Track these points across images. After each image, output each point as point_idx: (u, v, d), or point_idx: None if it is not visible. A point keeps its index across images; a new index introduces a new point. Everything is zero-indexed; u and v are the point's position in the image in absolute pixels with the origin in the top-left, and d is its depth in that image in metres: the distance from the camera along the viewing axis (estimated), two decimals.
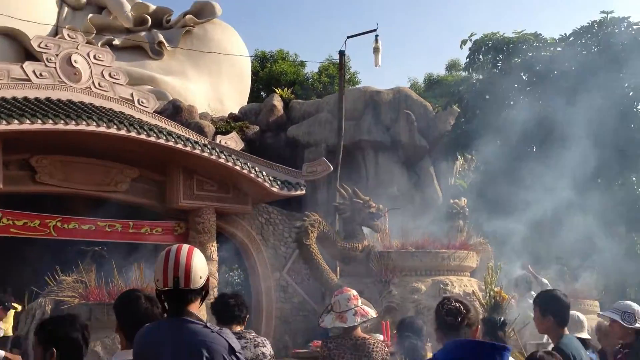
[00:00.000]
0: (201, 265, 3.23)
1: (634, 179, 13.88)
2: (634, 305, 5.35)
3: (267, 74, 22.82)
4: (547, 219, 11.76)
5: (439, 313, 3.65)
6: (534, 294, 8.98)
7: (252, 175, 11.01)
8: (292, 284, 12.77)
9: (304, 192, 12.16)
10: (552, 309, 4.88)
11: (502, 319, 6.41)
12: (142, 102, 11.58)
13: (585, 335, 5.98)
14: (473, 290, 8.61)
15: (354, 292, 5.44)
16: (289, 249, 12.58)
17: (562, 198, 12.12)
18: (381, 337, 6.61)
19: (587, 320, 8.94)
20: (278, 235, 12.77)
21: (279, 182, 11.67)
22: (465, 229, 10.42)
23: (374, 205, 9.01)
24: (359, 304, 5.40)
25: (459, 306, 3.62)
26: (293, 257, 12.59)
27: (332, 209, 9.70)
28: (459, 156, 17.08)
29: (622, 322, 5.18)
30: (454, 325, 3.59)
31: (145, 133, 9.97)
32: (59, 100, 10.61)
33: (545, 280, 9.40)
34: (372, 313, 5.37)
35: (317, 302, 11.25)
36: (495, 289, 8.23)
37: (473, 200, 12.52)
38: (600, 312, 6.20)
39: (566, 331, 4.97)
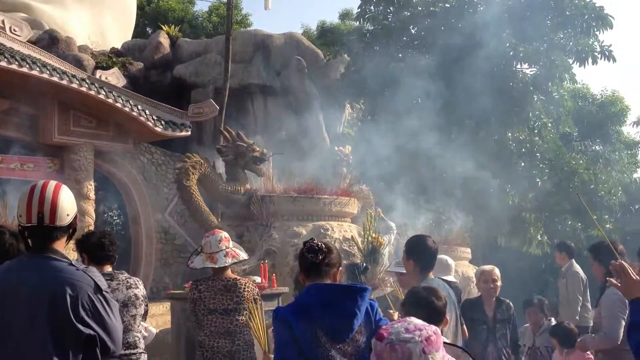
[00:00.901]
0: (68, 202, 3.10)
1: (509, 134, 14.52)
2: None
3: (154, 9, 21.98)
4: (427, 168, 12.13)
5: (301, 252, 3.68)
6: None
7: (134, 113, 10.61)
8: (174, 226, 12.57)
9: (189, 133, 11.88)
10: (416, 253, 5.04)
11: (364, 264, 6.65)
12: (14, 30, 10.80)
13: (450, 278, 6.30)
14: (352, 236, 8.79)
15: (225, 234, 5.43)
16: (171, 191, 12.33)
17: (444, 150, 12.54)
18: (259, 279, 6.63)
19: (455, 265, 9.38)
20: (161, 176, 12.47)
21: (163, 122, 11.32)
22: (348, 176, 10.56)
23: (257, 149, 8.93)
24: (230, 245, 5.38)
25: (321, 245, 3.66)
26: (175, 199, 12.37)
27: (217, 152, 9.52)
28: (347, 105, 17.26)
29: None
30: (315, 264, 3.62)
31: (16, 63, 9.35)
32: None
33: (391, 223, 9.72)
34: (242, 255, 5.36)
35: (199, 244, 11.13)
36: (373, 235, 8.43)
37: (358, 149, 12.70)
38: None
39: (431, 275, 5.14)
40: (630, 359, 5.64)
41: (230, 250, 5.36)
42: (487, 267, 6.72)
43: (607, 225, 14.74)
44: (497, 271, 6.61)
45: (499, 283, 6.53)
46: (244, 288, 5.40)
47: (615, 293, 5.80)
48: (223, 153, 8.98)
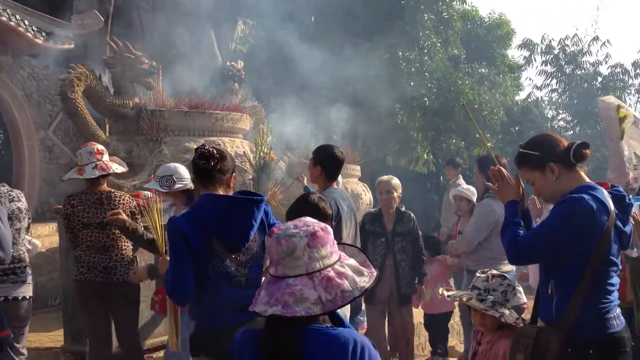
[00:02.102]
0: None
1: (399, 53, 14.70)
2: None
3: None
4: (319, 85, 12.18)
5: (193, 159, 3.66)
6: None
7: (11, 23, 9.95)
8: (59, 144, 12.11)
9: (72, 45, 11.31)
10: (323, 161, 5.16)
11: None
12: None
13: None
14: (244, 152, 8.78)
15: (99, 147, 5.31)
16: (55, 107, 11.80)
17: (333, 68, 12.59)
18: (149, 194, 6.52)
19: (345, 182, 9.59)
20: (43, 92, 11.88)
21: (44, 34, 10.71)
22: (240, 92, 10.45)
23: (146, 61, 8.62)
24: (104, 159, 5.26)
25: (213, 151, 3.64)
26: (60, 116, 11.87)
27: (103, 64, 9.13)
28: (240, 22, 16.89)
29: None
30: (207, 170, 3.61)
31: None
32: None
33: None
34: (115, 168, 5.27)
35: None
36: (265, 150, 8.47)
37: (250, 65, 12.55)
38: None
39: (334, 185, 5.28)
40: (488, 257, 6.16)
41: (101, 163, 5.21)
42: (384, 177, 6.66)
43: (489, 144, 15.41)
44: (395, 182, 6.51)
45: (396, 194, 6.44)
46: (119, 200, 5.31)
47: (487, 205, 6.20)
48: (110, 65, 8.62)
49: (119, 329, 5.41)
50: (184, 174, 5.07)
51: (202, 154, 3.65)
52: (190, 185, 5.02)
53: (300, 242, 2.16)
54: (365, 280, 2.21)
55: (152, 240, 5.02)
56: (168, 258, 3.84)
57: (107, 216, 5.11)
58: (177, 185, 4.96)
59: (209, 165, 3.62)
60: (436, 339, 7.81)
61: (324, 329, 2.19)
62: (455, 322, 8.93)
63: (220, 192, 3.67)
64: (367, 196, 10.68)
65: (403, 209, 6.68)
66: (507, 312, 3.75)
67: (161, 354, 6.20)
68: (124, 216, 5.05)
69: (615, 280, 3.39)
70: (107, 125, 9.32)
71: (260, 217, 3.67)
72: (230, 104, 9.43)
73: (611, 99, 6.24)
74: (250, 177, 8.42)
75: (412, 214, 6.64)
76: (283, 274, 2.19)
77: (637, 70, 21.51)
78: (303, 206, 3.83)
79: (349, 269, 2.21)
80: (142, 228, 5.11)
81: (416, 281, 6.65)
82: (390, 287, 6.49)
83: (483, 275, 3.93)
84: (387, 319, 6.81)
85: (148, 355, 6.20)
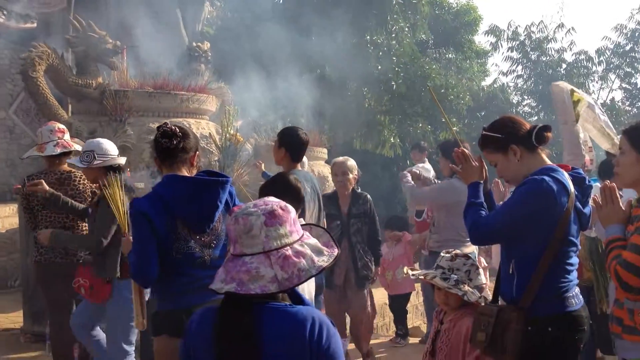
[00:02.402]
0: None
1: (367, 37, 14.69)
2: None
3: None
4: (285, 68, 12.13)
5: (155, 137, 3.60)
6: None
7: None
8: (20, 124, 11.92)
9: (34, 24, 11.11)
10: (287, 143, 5.18)
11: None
12: None
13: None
14: (210, 133, 8.71)
15: (60, 126, 5.25)
16: (16, 87, 11.60)
17: (301, 51, 12.55)
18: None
19: (312, 164, 9.60)
20: (3, 71, 11.66)
21: (4, 12, 10.50)
22: (206, 73, 10.35)
23: (110, 41, 8.47)
24: (65, 137, 5.19)
25: (175, 129, 3.60)
26: (21, 96, 11.66)
27: (66, 43, 8.96)
28: (207, 2, 16.72)
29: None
30: (170, 149, 3.56)
31: None
32: None
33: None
34: (77, 147, 5.20)
35: None
36: (231, 132, 8.42)
37: (217, 46, 12.45)
38: None
39: (299, 167, 5.30)
40: (451, 237, 6.27)
41: (62, 141, 5.13)
42: (339, 158, 6.56)
43: (455, 128, 15.53)
44: (350, 163, 6.38)
45: (351, 176, 6.31)
46: (79, 180, 5.24)
47: (451, 182, 6.28)
48: (73, 44, 8.45)
49: None
50: (109, 150, 4.82)
51: (164, 132, 3.59)
52: (115, 162, 4.82)
53: (257, 221, 2.15)
54: (324, 259, 2.20)
55: (84, 211, 4.99)
56: (131, 239, 3.81)
57: (67, 196, 5.04)
58: (97, 162, 4.71)
59: (171, 143, 3.56)
60: (397, 320, 7.92)
61: (282, 307, 2.19)
62: (419, 302, 9.06)
63: (184, 171, 3.62)
64: None
65: (359, 190, 6.53)
66: (469, 290, 3.79)
67: None
68: (45, 186, 4.95)
69: (575, 260, 3.46)
70: (70, 106, 9.16)
71: (225, 197, 3.65)
72: (196, 85, 9.32)
73: (564, 84, 6.40)
74: (216, 158, 8.37)
75: (369, 196, 6.51)
76: (240, 252, 2.18)
77: (601, 58, 21.84)
78: (282, 185, 3.84)
79: (308, 248, 2.21)
80: (68, 198, 5.02)
81: (372, 263, 6.49)
82: (347, 270, 6.36)
83: (447, 255, 3.97)
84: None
85: None
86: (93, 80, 8.33)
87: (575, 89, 6.28)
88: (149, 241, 3.44)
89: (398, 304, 7.86)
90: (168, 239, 3.46)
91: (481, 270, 4.00)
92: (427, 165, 7.86)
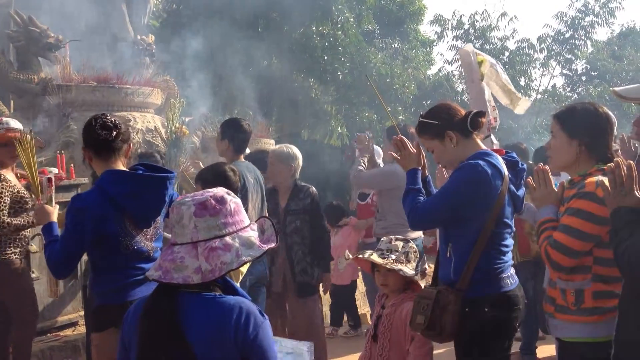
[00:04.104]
0: None
1: (313, 28, 14.73)
2: None
3: None
4: (232, 62, 12.11)
5: (91, 128, 3.56)
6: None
7: None
8: None
9: None
10: (230, 134, 5.22)
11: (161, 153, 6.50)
12: None
13: None
14: (156, 126, 8.66)
15: None
16: None
17: (249, 43, 12.53)
18: (56, 170, 6.38)
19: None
20: None
21: None
22: (151, 66, 10.26)
23: (52, 35, 8.34)
24: None
25: (115, 121, 3.59)
26: None
27: (6, 38, 8.79)
28: None
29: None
30: (108, 141, 3.55)
31: None
32: None
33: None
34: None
35: None
36: (177, 125, 8.40)
37: (163, 39, 12.33)
38: None
39: (242, 158, 5.34)
40: (396, 223, 6.35)
41: None
42: (277, 146, 6.01)
43: (400, 117, 15.74)
44: (288, 151, 5.64)
45: (293, 166, 5.55)
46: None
47: (391, 167, 6.36)
48: (14, 39, 8.29)
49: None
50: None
51: (104, 124, 3.55)
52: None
53: (187, 211, 2.18)
54: (250, 253, 2.20)
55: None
56: (47, 208, 3.74)
57: None
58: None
59: (111, 135, 3.54)
60: (340, 311, 7.87)
61: (210, 297, 2.20)
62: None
63: (120, 164, 3.62)
64: None
65: (302, 183, 5.70)
66: (406, 269, 3.87)
67: (70, 331, 6.14)
68: None
69: (509, 241, 3.60)
70: (12, 101, 8.99)
71: (170, 192, 3.67)
72: (141, 79, 9.24)
73: (470, 46, 6.87)
74: (162, 151, 8.32)
75: (313, 189, 5.63)
76: (174, 241, 2.22)
77: (542, 45, 22.31)
78: (211, 173, 3.88)
79: (238, 241, 2.20)
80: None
81: (314, 268, 5.57)
82: (284, 276, 5.56)
83: (387, 238, 4.08)
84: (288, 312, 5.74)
85: (55, 333, 6.13)
86: (35, 75, 8.20)
87: (478, 51, 6.71)
88: (80, 240, 3.44)
89: (344, 295, 7.76)
90: (116, 235, 3.46)
91: (424, 256, 4.12)
92: (379, 149, 7.95)
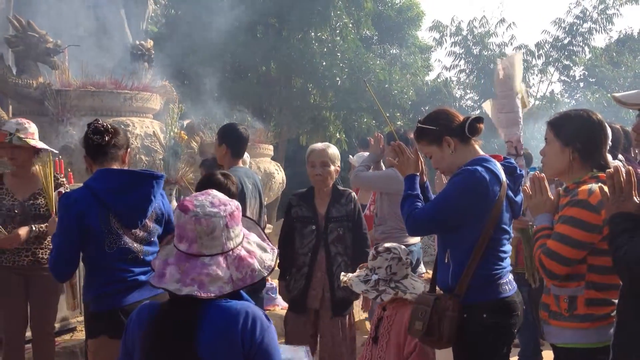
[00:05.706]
0: None
1: (312, 34, 14.78)
2: None
3: None
4: (232, 66, 12.12)
5: (86, 135, 3.60)
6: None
7: None
8: None
9: None
10: (227, 139, 5.22)
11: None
12: None
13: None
14: (154, 132, 8.65)
15: None
16: None
17: (248, 48, 12.54)
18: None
19: (258, 161, 9.63)
20: None
21: None
22: (150, 71, 10.27)
23: (51, 40, 8.35)
24: None
25: (107, 125, 3.61)
26: None
27: (5, 43, 8.80)
28: (151, 0, 16.56)
29: None
30: (101, 146, 3.57)
31: None
32: None
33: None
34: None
35: None
36: (175, 130, 8.39)
37: (162, 45, 12.35)
38: None
39: (240, 163, 5.34)
40: (396, 227, 6.29)
41: None
42: (318, 145, 5.15)
43: (399, 123, 15.78)
44: (332, 150, 5.00)
45: (332, 168, 4.91)
46: None
47: (390, 173, 6.33)
48: (12, 44, 8.30)
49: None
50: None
51: (95, 129, 3.58)
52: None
53: (220, 222, 2.17)
54: (270, 257, 2.25)
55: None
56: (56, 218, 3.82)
57: None
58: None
59: (103, 140, 3.56)
60: None
61: (216, 302, 2.21)
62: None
63: (116, 167, 3.64)
64: (279, 175, 10.74)
65: (341, 186, 5.19)
66: (386, 289, 3.94)
67: (68, 337, 6.12)
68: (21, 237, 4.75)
69: (507, 247, 3.59)
70: (10, 107, 8.99)
71: (160, 193, 3.68)
72: (139, 84, 9.25)
73: (521, 54, 6.35)
74: (161, 157, 8.32)
75: (353, 193, 5.10)
76: (198, 252, 2.18)
77: (540, 51, 22.36)
78: (207, 184, 3.88)
79: (255, 245, 2.25)
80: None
81: None
82: (323, 291, 4.89)
83: (371, 252, 4.11)
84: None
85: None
86: (34, 80, 8.21)
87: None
88: (73, 238, 3.44)
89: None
90: (101, 232, 3.46)
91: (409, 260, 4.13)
92: (364, 154, 7.96)
